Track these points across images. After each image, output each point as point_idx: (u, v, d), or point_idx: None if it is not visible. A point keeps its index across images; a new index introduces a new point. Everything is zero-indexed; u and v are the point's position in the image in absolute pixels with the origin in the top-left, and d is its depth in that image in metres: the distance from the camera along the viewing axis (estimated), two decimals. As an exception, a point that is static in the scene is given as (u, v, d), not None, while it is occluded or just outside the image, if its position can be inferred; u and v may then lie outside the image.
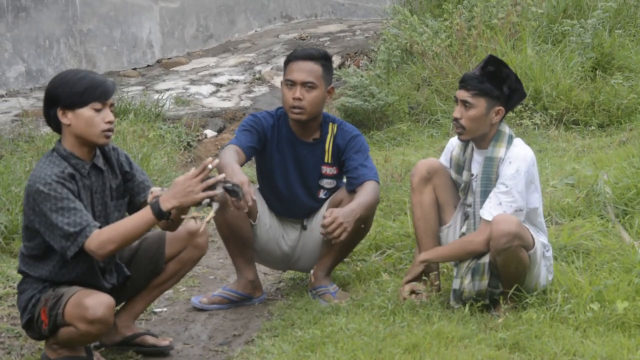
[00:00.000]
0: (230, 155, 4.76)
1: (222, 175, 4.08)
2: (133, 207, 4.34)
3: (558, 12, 9.42)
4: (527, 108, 8.20)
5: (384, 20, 10.81)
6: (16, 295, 5.02)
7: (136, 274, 4.44)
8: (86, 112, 4.08)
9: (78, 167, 4.14)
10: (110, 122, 4.13)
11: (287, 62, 5.06)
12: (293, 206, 5.11)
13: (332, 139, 5.07)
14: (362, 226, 4.93)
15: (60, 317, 4.05)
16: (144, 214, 4.03)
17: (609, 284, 4.57)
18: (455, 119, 4.67)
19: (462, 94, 4.65)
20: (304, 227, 5.17)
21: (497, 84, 4.63)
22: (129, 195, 4.35)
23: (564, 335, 4.24)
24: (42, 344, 4.51)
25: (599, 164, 6.62)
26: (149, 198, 4.08)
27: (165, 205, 4.00)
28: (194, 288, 5.44)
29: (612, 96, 8.22)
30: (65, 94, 4.08)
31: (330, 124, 5.10)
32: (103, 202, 4.25)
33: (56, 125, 4.18)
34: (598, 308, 4.40)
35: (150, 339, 4.49)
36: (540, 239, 4.65)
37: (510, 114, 8.07)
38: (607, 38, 8.83)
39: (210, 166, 3.96)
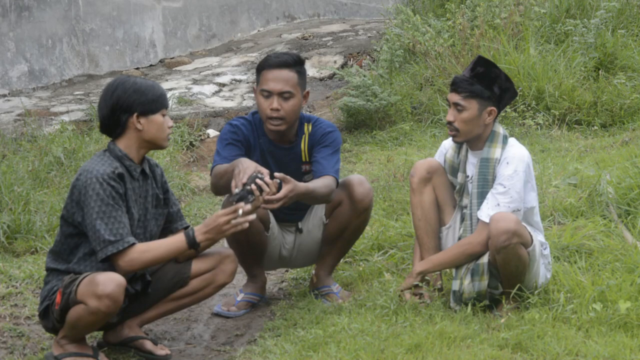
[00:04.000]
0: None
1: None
2: (168, 232, 4.53)
3: (561, 12, 9.41)
4: (529, 108, 8.19)
5: (386, 20, 10.81)
6: (18, 295, 5.08)
7: (160, 285, 4.48)
8: (158, 118, 4.35)
9: (130, 169, 4.32)
10: (170, 127, 4.41)
11: (260, 70, 4.93)
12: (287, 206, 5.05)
13: (307, 138, 5.00)
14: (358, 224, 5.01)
15: (73, 294, 4.14)
16: (178, 241, 4.28)
17: (611, 284, 4.57)
18: (449, 122, 4.68)
19: (454, 97, 4.66)
20: (299, 230, 5.16)
21: (488, 84, 4.64)
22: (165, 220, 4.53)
23: (566, 335, 4.25)
24: (45, 343, 4.53)
25: (601, 164, 6.61)
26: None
27: (199, 238, 4.29)
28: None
29: (614, 96, 8.21)
30: (140, 102, 4.30)
31: (306, 124, 5.02)
32: (144, 207, 4.39)
33: (118, 130, 4.32)
34: (600, 308, 4.40)
35: (148, 345, 4.50)
36: (538, 237, 4.65)
37: (513, 113, 8.08)
38: (610, 38, 8.82)
39: (240, 211, 4.25)
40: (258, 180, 4.37)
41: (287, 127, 4.91)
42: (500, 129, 4.72)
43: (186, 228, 4.55)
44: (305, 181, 4.97)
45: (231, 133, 4.94)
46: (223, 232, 4.28)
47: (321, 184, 4.82)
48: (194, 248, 4.29)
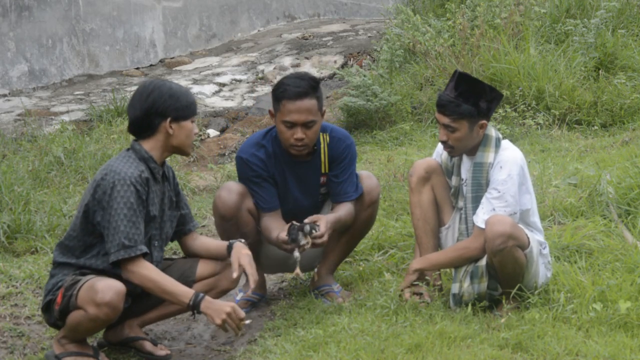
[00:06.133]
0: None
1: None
2: (181, 234, 4.59)
3: (561, 12, 9.41)
4: (530, 108, 8.19)
5: (386, 20, 10.81)
6: (19, 295, 5.08)
7: None
8: (188, 124, 4.39)
9: (154, 172, 4.35)
10: (196, 134, 4.48)
11: (279, 99, 4.83)
12: (298, 216, 5.04)
13: (326, 149, 5.00)
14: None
15: (74, 299, 4.15)
16: (184, 295, 4.24)
17: (611, 284, 4.57)
18: (443, 141, 4.67)
19: (443, 119, 4.64)
20: None
21: (474, 102, 4.59)
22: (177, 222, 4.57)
23: (566, 335, 4.25)
24: (45, 343, 4.53)
25: (601, 164, 6.61)
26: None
27: (202, 307, 4.23)
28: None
29: (614, 96, 8.20)
30: (174, 107, 4.33)
31: (321, 134, 5.00)
32: (161, 209, 4.41)
33: (149, 132, 4.35)
34: (601, 308, 4.40)
35: (148, 346, 4.51)
36: (536, 237, 4.64)
37: (513, 113, 8.09)
38: (610, 38, 8.82)
39: (247, 322, 4.32)
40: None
41: (309, 149, 4.94)
42: (493, 132, 4.70)
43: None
44: (321, 194, 5.06)
45: (250, 170, 4.93)
46: (220, 318, 4.21)
47: (346, 212, 4.94)
48: (194, 311, 4.27)
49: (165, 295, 4.25)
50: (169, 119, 4.33)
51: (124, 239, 4.16)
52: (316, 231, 4.68)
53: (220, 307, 4.23)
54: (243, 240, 4.56)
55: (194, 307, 4.22)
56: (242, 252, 4.44)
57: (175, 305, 4.51)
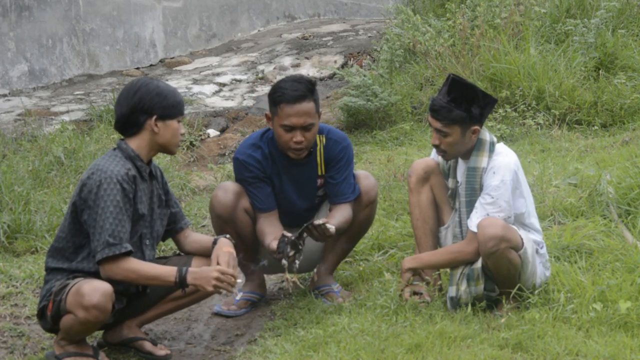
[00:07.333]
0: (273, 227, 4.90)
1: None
2: (174, 232, 4.58)
3: (561, 12, 9.41)
4: (530, 108, 8.19)
5: (386, 20, 10.81)
6: (19, 295, 5.09)
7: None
8: (174, 124, 4.39)
9: (141, 170, 4.35)
10: (183, 134, 4.45)
11: (277, 103, 4.84)
12: (294, 218, 5.08)
13: (322, 151, 5.01)
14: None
15: (63, 303, 4.16)
16: (168, 275, 4.24)
17: (611, 284, 4.57)
18: (435, 145, 4.67)
19: (435, 124, 4.64)
20: None
21: (466, 107, 4.59)
22: (168, 221, 4.56)
23: (566, 335, 4.25)
24: (45, 343, 4.53)
25: (601, 164, 6.61)
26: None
27: (189, 280, 4.24)
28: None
29: (615, 96, 8.20)
30: (161, 105, 4.34)
31: (318, 136, 5.00)
32: (150, 207, 4.41)
33: (134, 130, 4.35)
34: (601, 308, 4.40)
35: (148, 346, 4.51)
36: (532, 237, 4.64)
37: (513, 113, 8.08)
38: (610, 38, 8.82)
39: (239, 280, 4.34)
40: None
41: (308, 150, 4.94)
42: (487, 136, 4.69)
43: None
44: (319, 196, 5.07)
45: (247, 171, 4.94)
46: (210, 285, 4.24)
47: (346, 218, 4.95)
48: (182, 287, 4.26)
49: (150, 281, 4.26)
50: (154, 117, 4.33)
51: (108, 236, 4.15)
52: (317, 228, 4.70)
53: (207, 274, 4.24)
54: (228, 236, 4.52)
55: (181, 282, 4.23)
56: (222, 250, 4.41)
57: (173, 302, 4.52)
